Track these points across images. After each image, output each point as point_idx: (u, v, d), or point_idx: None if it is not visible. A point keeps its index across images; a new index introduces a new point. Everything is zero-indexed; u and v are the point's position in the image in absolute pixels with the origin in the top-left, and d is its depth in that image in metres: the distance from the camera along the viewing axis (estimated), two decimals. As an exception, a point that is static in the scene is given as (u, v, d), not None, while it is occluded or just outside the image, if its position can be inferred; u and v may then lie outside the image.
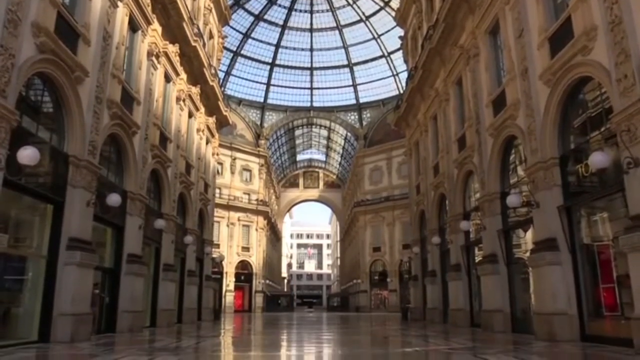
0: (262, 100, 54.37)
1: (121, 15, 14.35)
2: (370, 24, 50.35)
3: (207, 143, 26.01)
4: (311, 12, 50.84)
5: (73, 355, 8.67)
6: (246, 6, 47.93)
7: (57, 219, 11.25)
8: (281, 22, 50.90)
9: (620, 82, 8.67)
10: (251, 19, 49.21)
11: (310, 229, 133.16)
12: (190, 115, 22.50)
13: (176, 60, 19.45)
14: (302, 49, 53.33)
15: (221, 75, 43.96)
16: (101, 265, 13.59)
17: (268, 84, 53.94)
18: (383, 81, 53.15)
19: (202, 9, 23.97)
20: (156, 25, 17.28)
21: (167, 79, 19.17)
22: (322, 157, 69.19)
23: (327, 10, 50.75)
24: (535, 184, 11.88)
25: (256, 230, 51.16)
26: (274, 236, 65.73)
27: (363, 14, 49.73)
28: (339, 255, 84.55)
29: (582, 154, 10.58)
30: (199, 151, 24.16)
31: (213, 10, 26.26)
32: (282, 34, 51.55)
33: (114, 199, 13.15)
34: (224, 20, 29.00)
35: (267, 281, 56.47)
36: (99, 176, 12.65)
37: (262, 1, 48.70)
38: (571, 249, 10.90)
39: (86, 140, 11.91)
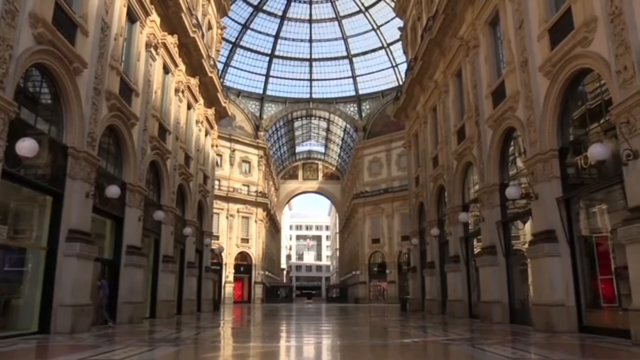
0: (261, 91, 54.19)
1: (119, 6, 14.27)
2: (370, 15, 50.07)
3: (206, 135, 25.97)
4: (310, 2, 50.53)
5: (73, 346, 8.71)
6: (245, -4, 47.69)
7: (56, 210, 11.26)
8: (280, 13, 50.62)
9: (620, 73, 8.65)
10: (250, 9, 48.92)
11: (310, 220, 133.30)
12: (189, 106, 22.44)
13: (175, 51, 19.37)
14: (302, 40, 53.08)
15: (220, 66, 43.79)
16: (101, 257, 13.62)
17: (267, 76, 53.73)
18: (382, 72, 52.98)
19: (201, 0, 23.83)
20: (154, 16, 17.20)
21: (166, 70, 19.10)
22: (322, 149, 69.10)
23: (327, 1, 50.44)
24: (534, 176, 11.89)
25: (255, 221, 51.21)
26: (273, 228, 65.81)
27: (362, 4, 49.44)
28: (338, 246, 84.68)
29: (581, 146, 10.58)
30: (198, 143, 24.13)
31: (212, 1, 26.12)
32: (281, 24, 51.27)
33: (113, 191, 13.14)
34: (222, 11, 28.85)
35: (267, 272, 56.63)
36: (98, 168, 12.64)
37: (261, -9, 48.47)
38: (569, 240, 10.93)
39: (85, 131, 11.88)
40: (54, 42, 10.42)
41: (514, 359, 6.98)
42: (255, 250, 50.65)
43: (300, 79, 55.49)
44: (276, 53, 53.03)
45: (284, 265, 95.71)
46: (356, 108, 55.19)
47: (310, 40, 53.15)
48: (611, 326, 9.68)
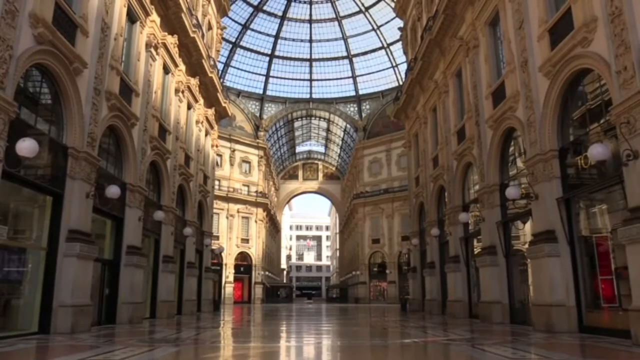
0: (261, 91, 54.22)
1: (119, 6, 14.27)
2: (370, 15, 50.11)
3: (206, 135, 25.97)
4: (310, 2, 50.56)
5: (73, 347, 8.70)
6: (245, -3, 47.74)
7: (56, 210, 11.26)
8: (280, 13, 50.65)
9: (620, 74, 8.65)
10: (250, 9, 48.95)
11: (310, 220, 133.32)
12: (189, 106, 22.44)
13: (175, 51, 19.37)
14: (302, 40, 53.12)
15: (220, 66, 43.82)
16: (101, 257, 13.62)
17: (267, 76, 53.76)
18: (382, 72, 53.04)
19: (201, 0, 23.84)
20: (155, 16, 17.20)
21: (166, 70, 19.10)
22: (322, 149, 69.12)
23: (327, 1, 50.47)
24: (534, 176, 11.89)
25: (255, 222, 51.23)
26: (273, 228, 65.82)
27: (362, 4, 49.48)
28: (338, 246, 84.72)
29: (582, 146, 10.59)
30: (198, 143, 24.13)
31: (212, 1, 26.13)
32: (281, 25, 51.30)
33: (113, 191, 13.14)
34: (222, 11, 28.85)
35: (267, 272, 56.64)
36: (98, 168, 12.64)
37: (261, -8, 48.52)
38: (570, 240, 10.94)
39: (85, 131, 11.88)
40: (54, 42, 10.42)
41: (514, 359, 6.98)
42: (255, 250, 50.67)
43: (300, 79, 55.54)
44: (276, 53, 53.05)
45: (284, 265, 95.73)
46: (356, 108, 55.20)
47: (310, 41, 53.18)
48: (611, 326, 9.68)
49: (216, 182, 37.52)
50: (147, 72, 16.67)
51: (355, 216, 54.20)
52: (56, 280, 10.93)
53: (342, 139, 61.70)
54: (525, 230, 14.13)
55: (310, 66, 54.92)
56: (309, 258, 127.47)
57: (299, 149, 68.89)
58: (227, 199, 47.66)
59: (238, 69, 52.01)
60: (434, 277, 21.72)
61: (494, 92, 14.98)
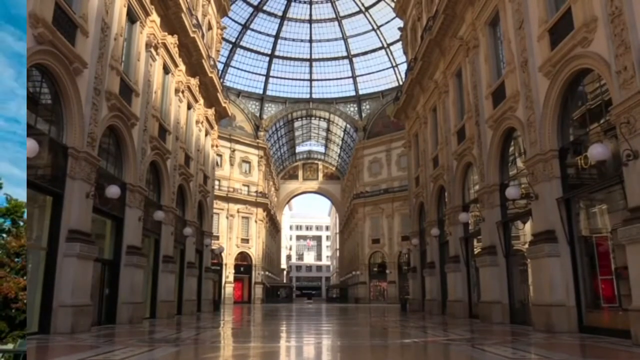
0: (261, 91, 54.22)
1: (119, 6, 14.27)
2: (370, 15, 50.12)
3: (206, 135, 25.97)
4: (310, 2, 50.56)
5: (73, 347, 8.70)
6: (245, -3, 47.74)
7: (56, 210, 11.26)
8: (280, 13, 50.66)
9: (620, 74, 8.65)
10: (250, 9, 48.97)
11: (310, 220, 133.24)
12: (189, 107, 22.44)
13: (175, 51, 19.37)
14: (302, 40, 53.12)
15: (220, 66, 43.79)
16: (101, 257, 13.61)
17: (267, 76, 53.76)
18: (382, 73, 53.05)
19: (201, 0, 23.84)
20: (155, 16, 17.20)
21: (166, 70, 19.10)
22: (322, 149, 69.10)
23: (327, 1, 50.48)
24: (534, 176, 11.89)
25: (255, 222, 51.23)
26: (273, 228, 65.81)
27: (362, 4, 49.49)
28: (338, 246, 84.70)
29: (582, 146, 10.59)
30: (198, 143, 24.12)
31: (212, 1, 26.13)
32: (281, 25, 51.30)
33: (113, 191, 13.15)
34: (222, 11, 28.86)
35: (267, 273, 56.63)
36: (98, 168, 12.64)
37: (261, -8, 48.53)
38: (570, 240, 10.93)
39: (85, 131, 11.88)
40: (54, 42, 10.42)
41: (514, 359, 6.98)
42: (255, 250, 50.67)
43: (300, 79, 55.54)
44: (276, 53, 53.06)
45: (284, 265, 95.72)
46: (356, 108, 55.20)
47: (311, 41, 53.19)
48: (611, 326, 9.68)
49: (216, 182, 37.52)
50: (147, 72, 16.67)
51: (355, 216, 54.19)
52: (56, 280, 10.93)
53: (342, 139, 61.69)
54: (525, 230, 14.13)
55: (310, 66, 54.93)
56: (309, 258, 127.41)
57: (299, 149, 68.90)
58: (227, 199, 47.65)
59: (238, 69, 52.04)
60: (434, 277, 21.71)
61: (494, 92, 14.98)
